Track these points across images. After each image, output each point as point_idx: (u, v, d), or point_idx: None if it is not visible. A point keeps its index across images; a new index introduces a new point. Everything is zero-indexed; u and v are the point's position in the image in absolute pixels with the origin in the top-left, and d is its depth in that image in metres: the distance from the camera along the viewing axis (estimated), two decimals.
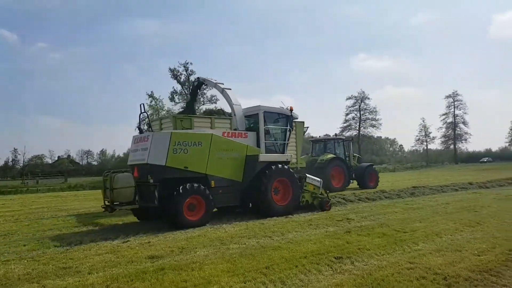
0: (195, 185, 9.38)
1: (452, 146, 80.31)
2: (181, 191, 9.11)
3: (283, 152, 11.68)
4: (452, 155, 79.98)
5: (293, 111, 11.75)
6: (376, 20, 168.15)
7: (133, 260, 6.24)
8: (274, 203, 10.81)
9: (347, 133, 66.62)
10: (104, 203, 9.63)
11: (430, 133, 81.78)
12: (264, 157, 10.96)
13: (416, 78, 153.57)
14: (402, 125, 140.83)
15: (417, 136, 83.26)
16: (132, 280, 5.18)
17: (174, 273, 5.37)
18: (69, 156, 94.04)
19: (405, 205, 12.24)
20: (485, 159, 76.69)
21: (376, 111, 70.60)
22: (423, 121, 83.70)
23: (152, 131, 11.16)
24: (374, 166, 22.83)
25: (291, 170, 11.59)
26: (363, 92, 71.33)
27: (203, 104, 41.81)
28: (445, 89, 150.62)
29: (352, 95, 71.81)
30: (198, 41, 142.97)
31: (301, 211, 11.30)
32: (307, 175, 12.32)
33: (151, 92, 45.00)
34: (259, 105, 11.36)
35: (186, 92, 41.82)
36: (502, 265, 5.35)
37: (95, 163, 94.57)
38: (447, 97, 79.05)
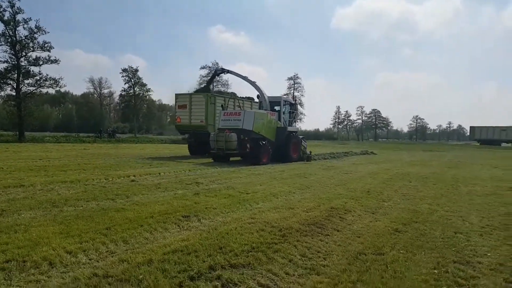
0: (265, 142, 16.73)
1: None
2: (261, 144, 16.43)
3: (290, 126, 19.45)
4: None
5: (296, 100, 22.10)
6: None
7: None
8: (292, 155, 18.46)
9: None
10: (215, 149, 16.27)
11: None
12: (290, 128, 19.17)
13: (264, 58, 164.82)
14: None
15: None
16: None
17: None
18: None
19: (248, 171, 13.13)
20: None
21: (228, 84, 70.98)
22: None
23: (225, 108, 19.64)
24: (303, 137, 25.76)
25: (299, 136, 19.86)
26: (217, 63, 70.41)
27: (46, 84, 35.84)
28: (288, 71, 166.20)
29: (206, 65, 70.17)
30: None
31: (150, 177, 10.94)
32: (302, 139, 19.96)
33: None
34: (281, 96, 20.25)
35: (11, 34, 33.30)
36: (325, 219, 6.20)
37: None
38: (289, 79, 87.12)
